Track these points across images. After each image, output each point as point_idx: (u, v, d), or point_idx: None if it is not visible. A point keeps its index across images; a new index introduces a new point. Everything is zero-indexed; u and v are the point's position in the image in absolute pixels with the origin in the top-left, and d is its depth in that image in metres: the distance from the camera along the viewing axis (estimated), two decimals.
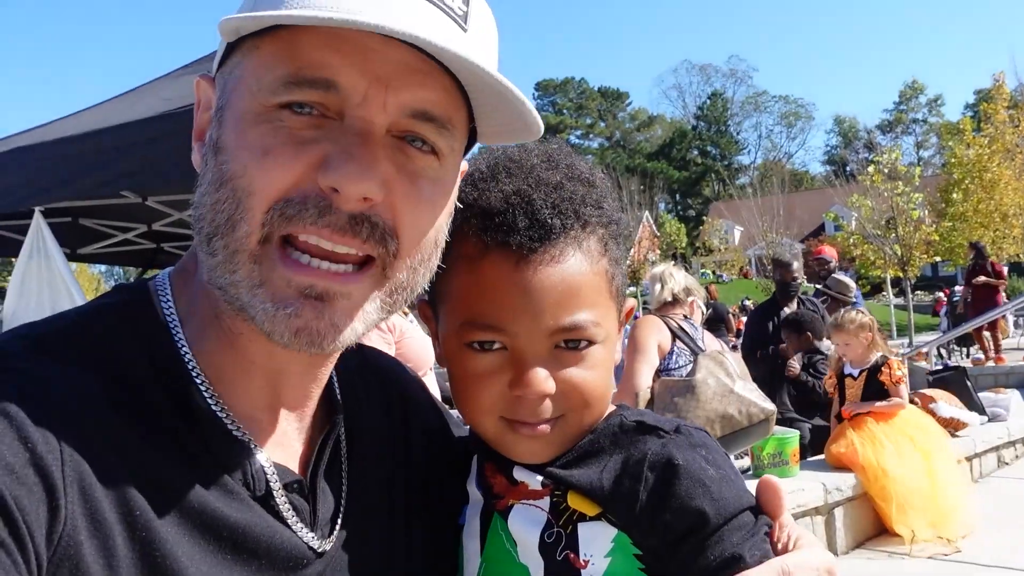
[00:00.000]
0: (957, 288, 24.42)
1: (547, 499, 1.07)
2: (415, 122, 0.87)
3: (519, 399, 1.03)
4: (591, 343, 1.05)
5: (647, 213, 64.18)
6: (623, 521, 1.02)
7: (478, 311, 1.03)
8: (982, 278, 16.37)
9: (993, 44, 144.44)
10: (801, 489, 5.60)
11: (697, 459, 1.01)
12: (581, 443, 1.08)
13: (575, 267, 1.03)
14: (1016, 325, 24.45)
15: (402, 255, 0.89)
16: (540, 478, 1.07)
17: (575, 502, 1.04)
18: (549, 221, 1.02)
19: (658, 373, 5.17)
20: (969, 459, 7.25)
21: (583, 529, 1.03)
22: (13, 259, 6.45)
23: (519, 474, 1.09)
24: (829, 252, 10.73)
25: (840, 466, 6.13)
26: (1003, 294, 16.61)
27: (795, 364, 7.74)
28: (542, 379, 1.02)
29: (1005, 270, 17.74)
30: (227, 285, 0.85)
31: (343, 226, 0.84)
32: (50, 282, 5.78)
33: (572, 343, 1.04)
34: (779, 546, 0.97)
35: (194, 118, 0.97)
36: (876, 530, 6.03)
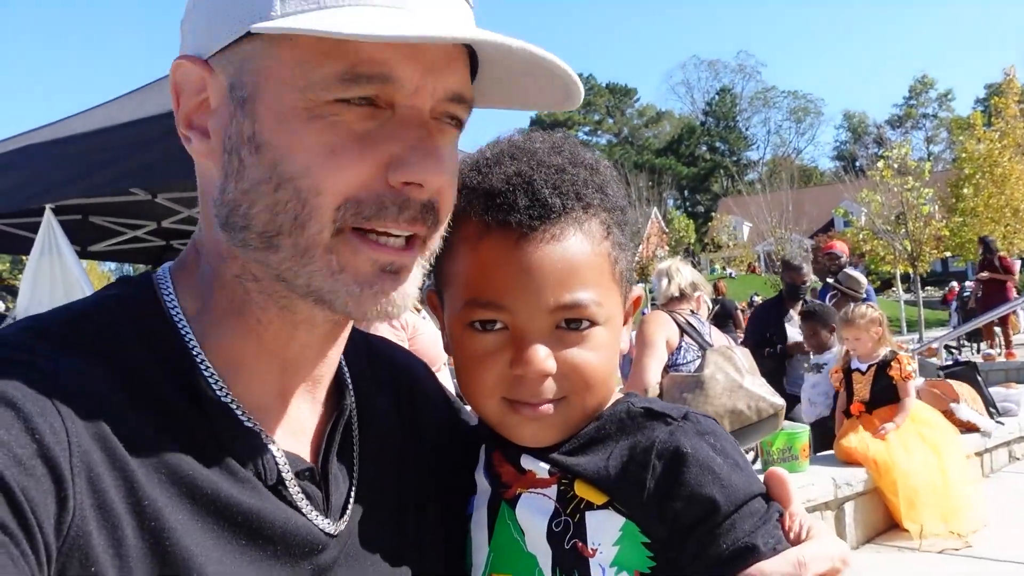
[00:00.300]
0: (968, 283, 24.30)
1: (554, 487, 1.06)
2: (452, 104, 0.91)
3: (520, 378, 1.03)
4: (593, 324, 1.05)
5: (655, 209, 64.21)
6: (630, 510, 1.01)
7: (480, 290, 1.04)
8: (986, 273, 16.33)
9: (1004, 38, 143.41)
10: (811, 484, 5.59)
11: (705, 447, 1.01)
12: (587, 429, 1.08)
13: (576, 246, 1.04)
14: None
15: (439, 227, 0.95)
16: (547, 466, 1.07)
17: (582, 490, 1.04)
18: (549, 200, 1.03)
19: (666, 369, 5.17)
20: (980, 454, 7.23)
21: (591, 517, 1.03)
22: (24, 257, 6.49)
23: (526, 463, 1.09)
24: (840, 247, 10.70)
25: (850, 461, 6.11)
26: (1014, 289, 16.51)
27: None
28: (542, 357, 1.02)
29: (1016, 265, 17.62)
30: (293, 276, 0.87)
31: (416, 216, 0.88)
32: (63, 279, 5.81)
33: (573, 323, 1.04)
34: (791, 535, 0.97)
35: (177, 101, 0.93)
36: (886, 525, 6.02)
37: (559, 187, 1.04)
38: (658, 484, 0.99)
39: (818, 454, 6.46)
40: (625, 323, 1.16)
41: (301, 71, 0.84)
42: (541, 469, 1.07)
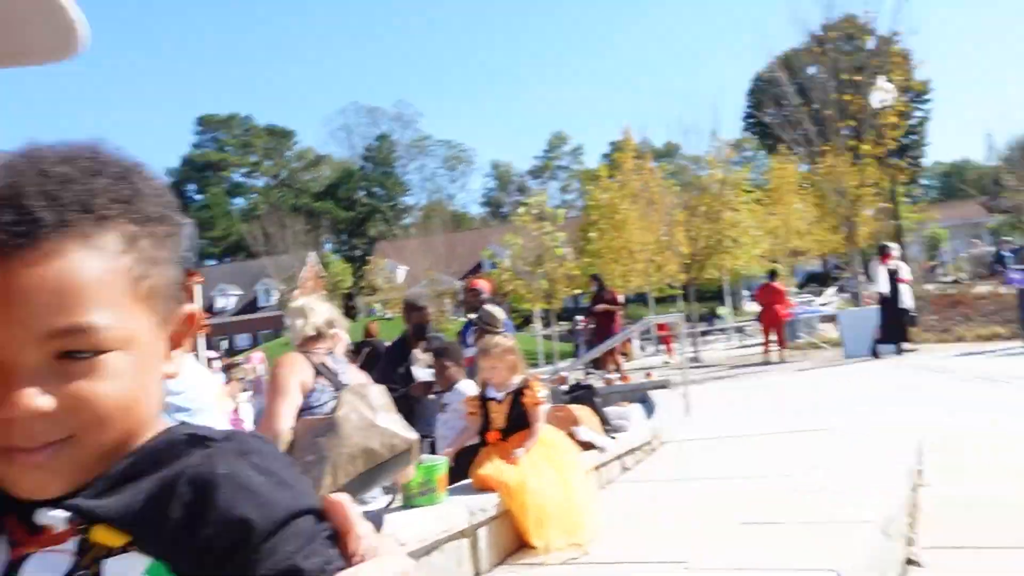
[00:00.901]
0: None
1: (75, 540, 0.91)
2: None
3: (9, 422, 0.87)
4: (102, 351, 0.92)
5: (313, 253, 63.78)
6: (157, 547, 0.89)
7: None
8: (603, 305, 18.68)
9: (625, 101, 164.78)
10: (448, 514, 5.76)
11: (244, 466, 0.92)
12: (118, 467, 0.94)
13: (75, 264, 0.90)
14: (642, 348, 27.96)
15: None
16: (65, 515, 0.91)
17: (99, 535, 0.90)
18: (38, 215, 0.88)
19: (301, 412, 5.04)
20: (598, 468, 7.99)
21: (109, 565, 0.89)
22: None
23: (41, 518, 0.91)
24: (481, 284, 11.35)
25: (485, 488, 6.40)
26: (619, 318, 19.03)
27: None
28: (30, 395, 0.87)
29: (621, 297, 20.67)
30: None
31: None
32: None
33: (77, 353, 0.90)
34: (355, 559, 0.91)
35: None
36: (517, 545, 6.37)
37: (58, 199, 0.90)
38: (185, 512, 0.88)
39: (457, 484, 6.70)
40: (178, 345, 1.04)
41: None
42: (59, 521, 0.91)
